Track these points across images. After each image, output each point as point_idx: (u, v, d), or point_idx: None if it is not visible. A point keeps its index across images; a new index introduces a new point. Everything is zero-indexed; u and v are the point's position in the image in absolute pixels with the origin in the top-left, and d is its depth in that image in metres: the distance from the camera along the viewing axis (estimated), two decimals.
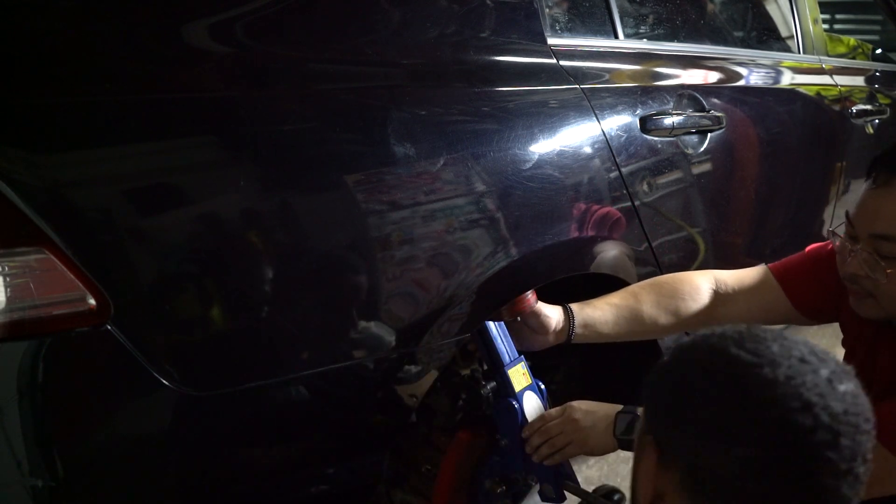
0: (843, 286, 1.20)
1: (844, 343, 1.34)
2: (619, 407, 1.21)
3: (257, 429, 0.97)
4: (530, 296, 1.28)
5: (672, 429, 0.72)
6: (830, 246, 1.30)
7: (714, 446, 0.68)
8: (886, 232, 1.08)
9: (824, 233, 2.14)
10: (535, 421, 1.26)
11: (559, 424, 1.23)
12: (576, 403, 1.25)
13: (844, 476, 0.66)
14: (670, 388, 0.74)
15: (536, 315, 1.29)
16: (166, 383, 0.88)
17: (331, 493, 1.05)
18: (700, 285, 1.38)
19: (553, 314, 1.30)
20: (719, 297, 1.38)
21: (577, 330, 1.31)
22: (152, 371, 0.87)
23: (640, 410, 1.20)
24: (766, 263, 1.41)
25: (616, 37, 1.56)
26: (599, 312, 1.33)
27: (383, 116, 1.07)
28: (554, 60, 1.35)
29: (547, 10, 1.40)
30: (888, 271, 1.08)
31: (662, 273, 1.51)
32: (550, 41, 1.36)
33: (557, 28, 1.45)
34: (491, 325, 1.29)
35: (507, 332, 1.31)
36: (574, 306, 1.32)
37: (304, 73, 1.05)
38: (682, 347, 0.77)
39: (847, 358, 1.25)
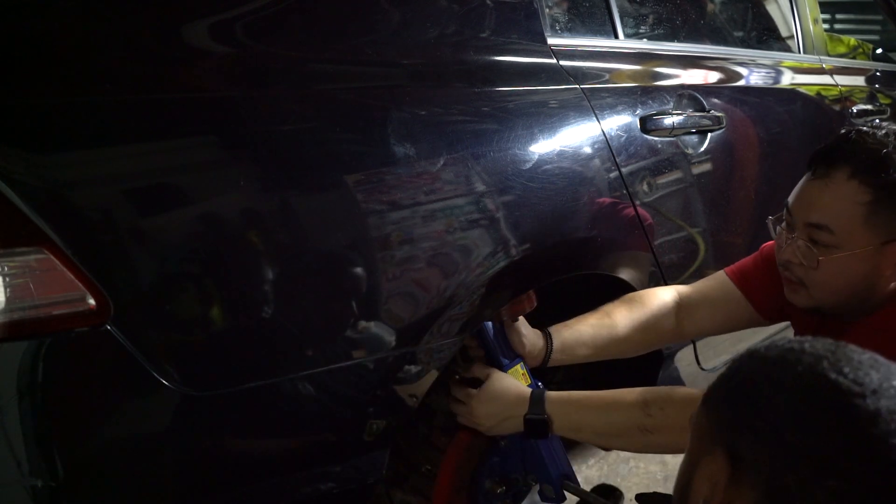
0: None
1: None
2: (527, 394, 1.24)
3: (257, 429, 0.97)
4: (528, 297, 1.28)
5: (757, 447, 0.69)
6: None
7: (806, 473, 0.66)
8: (820, 221, 1.13)
9: None
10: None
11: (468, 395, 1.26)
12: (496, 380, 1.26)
13: None
14: (758, 406, 0.71)
15: (516, 333, 1.31)
16: (166, 383, 0.88)
17: (331, 493, 1.05)
18: (665, 300, 1.41)
19: (530, 339, 1.32)
20: (684, 310, 1.41)
21: (555, 355, 1.34)
22: (152, 371, 0.87)
23: (548, 393, 1.23)
24: (724, 269, 1.43)
25: (616, 37, 1.56)
26: (577, 335, 1.35)
27: (383, 116, 1.07)
28: (554, 60, 1.35)
29: (547, 10, 1.40)
30: (820, 258, 1.13)
31: (663, 273, 1.51)
32: (550, 41, 1.36)
33: (557, 28, 1.45)
34: (489, 326, 1.29)
35: (505, 333, 1.31)
36: (553, 333, 1.34)
37: (304, 73, 1.05)
38: (768, 361, 0.74)
39: None
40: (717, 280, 1.43)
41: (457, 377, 1.31)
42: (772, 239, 1.29)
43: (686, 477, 0.76)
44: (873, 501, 0.65)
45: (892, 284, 1.15)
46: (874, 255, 1.12)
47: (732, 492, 0.70)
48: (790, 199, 1.20)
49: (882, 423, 0.65)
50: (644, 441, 1.19)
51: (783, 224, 1.21)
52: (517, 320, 1.30)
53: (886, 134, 1.14)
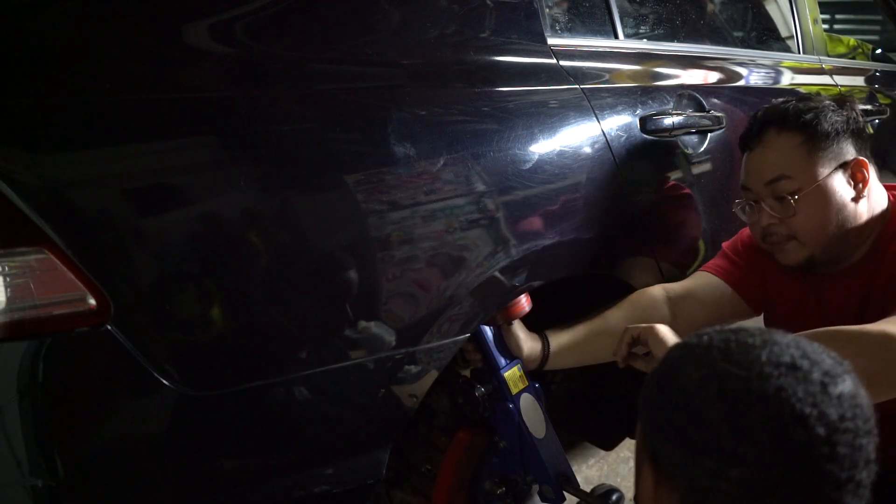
0: (764, 261, 1.40)
1: (768, 320, 1.47)
2: None
3: (257, 429, 0.97)
4: (523, 300, 1.28)
5: (667, 448, 0.70)
6: (744, 233, 1.48)
7: (712, 467, 0.66)
8: (776, 174, 1.28)
9: None
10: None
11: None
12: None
13: (846, 485, 0.64)
14: (661, 407, 0.72)
15: (512, 336, 1.31)
16: (166, 383, 0.88)
17: (331, 493, 1.05)
18: (657, 298, 1.44)
19: (526, 342, 1.33)
20: (674, 303, 1.43)
21: (552, 358, 1.35)
22: (152, 371, 0.87)
23: None
24: (701, 268, 1.51)
25: (616, 37, 1.56)
26: (574, 338, 1.37)
27: (383, 116, 1.07)
28: (554, 60, 1.35)
29: (547, 10, 1.40)
30: (793, 202, 1.26)
31: (662, 273, 1.51)
32: (550, 41, 1.36)
33: (557, 28, 1.45)
34: (486, 329, 1.29)
35: (502, 336, 1.31)
36: (550, 336, 1.35)
37: (304, 73, 1.04)
38: (671, 361, 0.74)
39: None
40: (701, 276, 1.48)
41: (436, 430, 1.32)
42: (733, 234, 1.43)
43: (636, 483, 0.77)
44: (783, 484, 0.64)
45: (860, 208, 1.28)
46: (832, 182, 1.26)
47: (661, 495, 0.71)
48: (742, 179, 1.35)
49: (772, 402, 0.65)
50: None
51: (747, 205, 1.35)
52: (513, 323, 1.30)
53: (786, 98, 1.34)
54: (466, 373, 1.35)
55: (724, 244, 1.51)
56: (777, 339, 0.70)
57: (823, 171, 1.26)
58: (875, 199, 1.30)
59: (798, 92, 2.08)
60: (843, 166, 1.27)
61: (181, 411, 0.90)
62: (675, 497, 0.69)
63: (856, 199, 1.28)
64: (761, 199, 1.31)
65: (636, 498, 0.77)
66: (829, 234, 1.27)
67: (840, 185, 1.27)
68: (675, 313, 1.42)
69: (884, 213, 1.30)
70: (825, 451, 0.64)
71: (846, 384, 0.67)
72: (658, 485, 0.72)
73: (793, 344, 0.70)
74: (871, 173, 1.29)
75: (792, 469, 0.64)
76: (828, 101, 1.31)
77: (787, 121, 1.29)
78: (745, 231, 1.46)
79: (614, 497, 1.26)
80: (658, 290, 1.45)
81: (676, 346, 0.77)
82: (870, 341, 1.04)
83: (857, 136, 1.30)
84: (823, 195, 1.26)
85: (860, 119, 1.32)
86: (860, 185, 1.28)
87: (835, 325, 1.25)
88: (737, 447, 0.65)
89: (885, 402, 1.11)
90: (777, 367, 0.67)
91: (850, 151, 1.28)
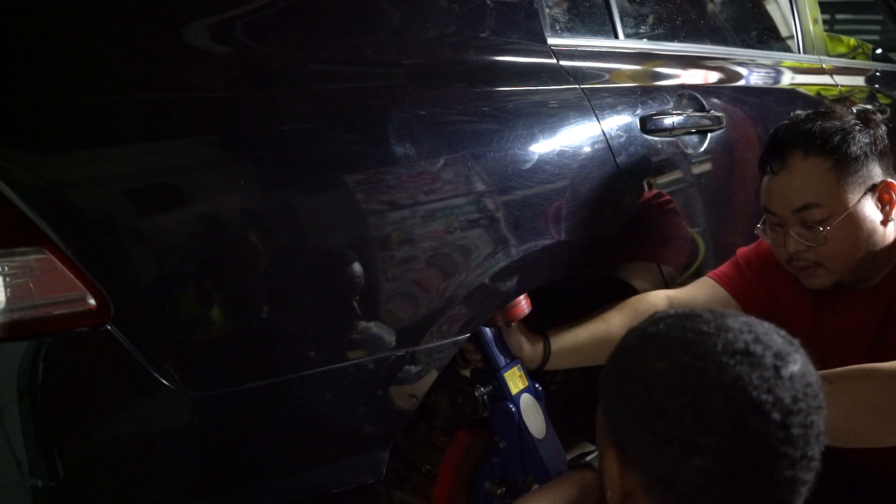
0: (777, 279, 1.37)
1: None
2: None
3: (257, 429, 0.97)
4: (523, 301, 1.28)
5: (631, 436, 0.73)
6: (762, 245, 1.42)
7: (675, 457, 0.69)
8: (806, 202, 1.23)
9: None
10: None
11: None
12: None
13: (799, 462, 0.68)
14: (624, 398, 0.74)
15: (513, 336, 1.31)
16: (166, 384, 0.88)
17: (331, 493, 1.05)
18: (658, 304, 1.43)
19: (527, 343, 1.32)
20: None
21: (552, 359, 1.34)
22: (152, 371, 0.87)
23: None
24: (707, 275, 1.48)
25: (616, 37, 1.56)
26: (574, 339, 1.36)
27: (383, 116, 1.06)
28: (554, 60, 1.35)
29: (547, 10, 1.40)
30: (824, 232, 1.22)
31: (662, 273, 1.51)
32: (550, 41, 1.35)
33: (557, 28, 1.45)
34: (486, 330, 1.28)
35: (502, 337, 1.31)
36: (551, 337, 1.34)
37: (304, 73, 1.04)
38: (629, 350, 0.77)
39: None
40: (705, 284, 1.46)
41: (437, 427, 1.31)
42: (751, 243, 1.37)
43: (599, 466, 0.80)
44: (742, 470, 0.67)
45: (890, 228, 1.25)
46: (862, 207, 1.23)
47: (626, 478, 0.74)
48: (765, 202, 1.30)
49: (729, 392, 0.68)
50: None
51: (770, 227, 1.30)
52: (513, 324, 1.30)
53: (808, 116, 1.28)
54: (466, 373, 1.35)
55: (740, 251, 1.48)
56: (730, 324, 0.73)
57: (853, 198, 1.22)
58: None
59: (805, 95, 2.08)
60: (872, 189, 1.24)
61: (181, 412, 0.90)
62: (640, 481, 0.72)
63: (884, 223, 1.25)
64: (787, 225, 1.26)
65: (602, 478, 0.79)
66: (858, 259, 1.24)
67: (870, 210, 1.24)
68: None
69: None
70: (781, 435, 0.67)
71: (796, 364, 0.71)
72: (623, 469, 0.74)
73: (745, 328, 0.73)
74: None
75: (751, 455, 0.67)
76: (852, 120, 1.26)
77: (813, 144, 1.23)
78: (765, 245, 1.42)
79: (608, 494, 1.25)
80: (660, 297, 1.44)
81: (632, 333, 0.79)
82: None
83: (883, 155, 1.26)
84: (854, 222, 1.23)
85: (885, 137, 1.27)
86: (887, 208, 1.25)
87: (851, 344, 1.27)
88: (699, 438, 0.68)
89: None
90: (733, 356, 0.69)
91: (877, 174, 1.25)
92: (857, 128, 1.24)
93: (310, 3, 1.08)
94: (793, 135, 1.26)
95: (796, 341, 0.74)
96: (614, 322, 1.38)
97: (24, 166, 0.82)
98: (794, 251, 1.26)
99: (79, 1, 0.92)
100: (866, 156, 1.23)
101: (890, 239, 1.25)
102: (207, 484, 0.95)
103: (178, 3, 0.99)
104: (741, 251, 1.48)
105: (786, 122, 1.30)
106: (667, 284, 1.52)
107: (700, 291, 1.46)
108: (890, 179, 1.25)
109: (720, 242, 1.66)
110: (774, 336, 0.73)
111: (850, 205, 1.22)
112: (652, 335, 0.75)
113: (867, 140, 1.24)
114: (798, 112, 1.32)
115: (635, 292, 1.47)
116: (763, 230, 1.32)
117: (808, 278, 1.29)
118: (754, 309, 1.42)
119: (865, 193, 1.23)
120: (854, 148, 1.22)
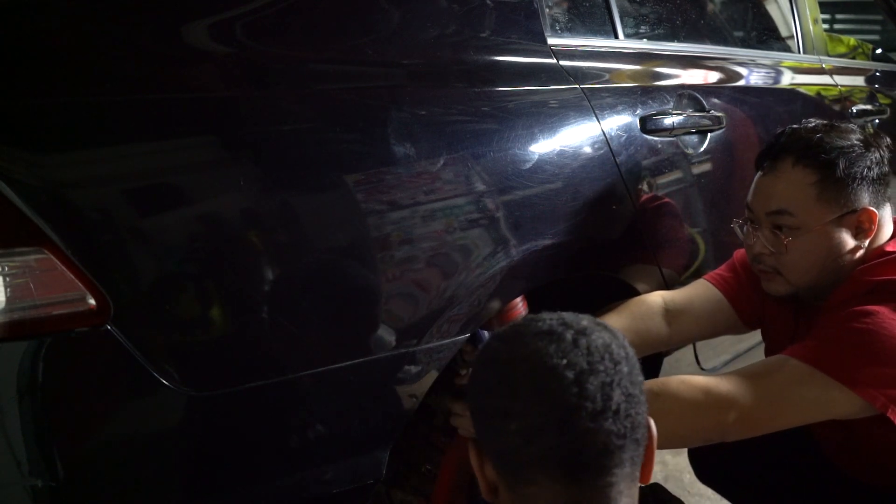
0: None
1: (765, 342, 1.47)
2: None
3: (257, 429, 0.97)
4: (520, 304, 1.28)
5: (478, 425, 0.82)
6: None
7: (497, 426, 0.78)
8: (779, 207, 1.24)
9: None
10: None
11: None
12: None
13: (602, 413, 0.75)
14: (470, 390, 0.84)
15: None
16: (166, 383, 0.88)
17: (331, 493, 1.05)
18: (654, 306, 1.43)
19: None
20: (671, 314, 1.43)
21: None
22: (152, 371, 0.87)
23: None
24: (703, 276, 1.50)
25: (616, 37, 1.56)
26: None
27: (383, 116, 1.07)
28: (554, 60, 1.35)
29: (547, 10, 1.40)
30: (786, 241, 1.23)
31: (662, 274, 1.51)
32: (550, 41, 1.35)
33: (557, 28, 1.45)
34: (484, 333, 1.28)
35: None
36: None
37: (304, 73, 1.04)
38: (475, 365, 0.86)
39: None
40: (702, 286, 1.47)
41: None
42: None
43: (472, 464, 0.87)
44: (546, 424, 0.75)
45: (857, 255, 1.24)
46: (834, 229, 1.22)
47: (487, 471, 0.83)
48: (749, 197, 1.31)
49: (529, 361, 0.77)
50: None
51: (748, 224, 1.31)
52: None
53: (815, 126, 1.27)
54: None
55: (737, 253, 1.48)
56: (542, 316, 0.82)
57: (826, 217, 1.21)
58: (874, 246, 1.24)
59: (805, 95, 2.08)
60: (851, 213, 1.21)
61: (181, 411, 0.91)
62: (490, 465, 0.82)
63: (853, 250, 1.23)
64: (760, 225, 1.27)
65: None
66: (814, 276, 1.24)
67: (841, 234, 1.22)
68: (670, 325, 1.42)
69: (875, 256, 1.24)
70: (575, 391, 0.75)
71: (599, 338, 0.79)
72: (482, 462, 0.83)
73: (555, 317, 0.82)
74: (885, 220, 1.24)
75: (552, 411, 0.75)
76: (857, 140, 1.23)
77: (806, 155, 1.22)
78: None
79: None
80: (656, 300, 1.44)
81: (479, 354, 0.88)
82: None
83: (877, 183, 1.23)
84: (819, 240, 1.22)
85: (884, 164, 1.24)
86: (861, 236, 1.23)
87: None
88: (508, 403, 0.77)
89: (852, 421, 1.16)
90: (536, 335, 0.79)
91: (863, 200, 1.21)
92: (856, 150, 1.22)
93: (310, 3, 1.08)
94: (792, 140, 1.26)
95: (613, 328, 0.83)
96: (612, 324, 1.38)
97: (24, 166, 0.82)
98: (757, 252, 1.28)
99: (79, 1, 0.92)
100: (854, 180, 1.20)
101: (854, 264, 1.23)
102: (207, 484, 0.95)
103: (178, 3, 0.99)
104: (738, 253, 1.48)
105: (794, 125, 1.29)
106: (666, 284, 1.52)
107: (696, 293, 1.46)
108: (872, 209, 1.22)
109: (720, 242, 1.66)
110: (584, 322, 0.81)
111: (821, 223, 1.21)
112: (489, 340, 0.85)
113: (862, 164, 1.21)
114: (811, 119, 1.30)
115: (635, 293, 1.47)
116: (740, 226, 1.34)
117: (766, 282, 1.30)
118: (747, 311, 1.44)
119: (843, 216, 1.21)
120: (844, 169, 1.20)
